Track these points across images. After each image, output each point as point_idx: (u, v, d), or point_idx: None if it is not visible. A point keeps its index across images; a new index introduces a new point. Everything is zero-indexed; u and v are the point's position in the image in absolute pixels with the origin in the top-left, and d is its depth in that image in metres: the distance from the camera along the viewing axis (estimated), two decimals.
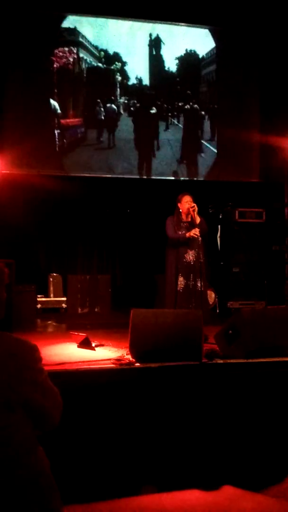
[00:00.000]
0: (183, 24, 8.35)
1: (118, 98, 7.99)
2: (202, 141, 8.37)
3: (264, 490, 3.17)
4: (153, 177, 8.20)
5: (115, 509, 2.94)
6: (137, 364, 3.74)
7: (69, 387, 2.76)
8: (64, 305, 7.55)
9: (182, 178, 8.27)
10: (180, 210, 5.30)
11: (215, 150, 8.39)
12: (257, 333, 4.02)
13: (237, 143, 8.36)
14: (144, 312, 4.01)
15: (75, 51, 7.76)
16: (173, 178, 8.25)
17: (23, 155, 7.48)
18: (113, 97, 7.96)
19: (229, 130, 8.30)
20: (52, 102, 7.66)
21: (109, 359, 3.91)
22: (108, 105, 7.91)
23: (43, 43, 7.63)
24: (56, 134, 7.69)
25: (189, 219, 5.27)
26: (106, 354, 4.23)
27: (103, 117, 7.88)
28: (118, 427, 3.34)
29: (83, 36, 7.85)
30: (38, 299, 7.33)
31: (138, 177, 8.13)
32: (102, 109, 7.86)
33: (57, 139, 7.71)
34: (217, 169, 8.44)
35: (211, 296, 7.45)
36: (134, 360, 3.80)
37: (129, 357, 3.88)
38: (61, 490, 1.78)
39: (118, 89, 7.99)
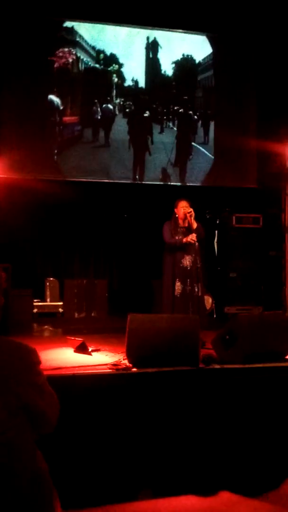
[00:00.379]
0: (180, 30, 8.40)
1: (114, 99, 8.04)
2: (197, 146, 8.39)
3: (261, 496, 3.17)
4: (150, 182, 8.21)
5: None
6: (134, 369, 3.74)
7: (66, 392, 2.75)
8: (60, 310, 7.53)
9: (179, 184, 8.29)
10: (177, 215, 5.31)
11: (209, 155, 8.41)
12: (254, 338, 4.02)
13: (234, 148, 8.39)
14: (141, 317, 4.00)
15: (74, 52, 7.81)
16: (170, 183, 8.27)
17: (20, 160, 7.48)
18: (109, 98, 8.02)
19: (226, 136, 8.32)
20: (55, 98, 7.72)
21: (106, 364, 3.90)
22: (104, 105, 7.97)
23: (40, 45, 7.65)
24: (57, 131, 7.75)
25: (186, 224, 5.28)
26: (102, 359, 4.22)
27: (99, 117, 7.94)
28: (114, 433, 3.33)
29: (80, 36, 7.90)
30: (35, 303, 7.31)
31: (135, 182, 8.15)
32: (99, 109, 7.92)
33: (57, 135, 7.76)
34: (214, 174, 8.46)
35: (208, 301, 7.45)
36: (131, 365, 3.79)
37: (126, 362, 3.87)
38: (58, 496, 1.77)
39: (114, 90, 8.05)
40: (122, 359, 4.01)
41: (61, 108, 7.77)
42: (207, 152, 8.45)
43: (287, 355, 4.20)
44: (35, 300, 7.30)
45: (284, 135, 7.93)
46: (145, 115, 8.11)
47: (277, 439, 3.61)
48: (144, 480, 3.25)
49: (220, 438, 3.49)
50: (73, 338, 4.67)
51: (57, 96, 7.75)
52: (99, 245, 8.29)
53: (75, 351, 4.51)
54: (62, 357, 4.36)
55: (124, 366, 3.79)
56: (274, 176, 8.22)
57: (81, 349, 4.45)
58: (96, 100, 7.91)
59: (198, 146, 8.42)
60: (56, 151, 7.77)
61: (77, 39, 7.86)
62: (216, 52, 8.53)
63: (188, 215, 5.22)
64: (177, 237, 5.20)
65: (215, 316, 7.66)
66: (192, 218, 5.21)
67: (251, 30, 8.43)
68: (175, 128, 8.32)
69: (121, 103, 8.04)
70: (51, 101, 7.72)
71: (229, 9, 8.10)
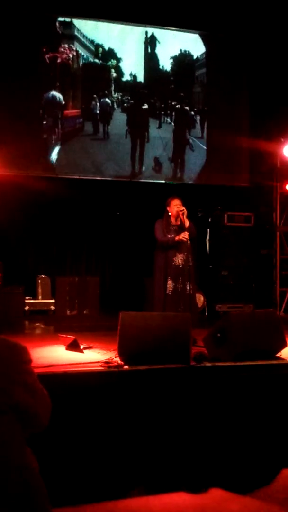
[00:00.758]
0: (173, 28, 8.40)
1: (113, 93, 8.10)
2: (194, 139, 8.45)
3: (251, 492, 3.19)
4: (143, 180, 8.22)
5: (102, 511, 2.94)
6: (126, 367, 3.74)
7: (57, 389, 2.75)
8: (52, 307, 7.52)
9: (171, 182, 8.30)
10: (169, 214, 5.31)
11: (205, 148, 8.43)
12: (245, 336, 4.05)
13: (227, 147, 8.42)
14: (133, 314, 4.01)
15: (74, 48, 7.85)
16: (163, 181, 8.28)
17: (12, 156, 7.44)
18: (107, 92, 8.07)
19: (219, 135, 8.35)
20: (57, 94, 7.78)
21: (98, 362, 3.90)
22: (103, 99, 8.04)
23: (33, 40, 7.63)
24: (60, 125, 7.79)
25: (178, 223, 5.28)
26: (94, 356, 4.22)
27: (98, 111, 8.01)
28: (106, 430, 3.33)
29: (78, 30, 7.94)
30: (26, 301, 7.29)
31: (130, 179, 8.15)
32: (98, 103, 8.00)
33: (59, 129, 7.80)
34: (206, 173, 8.48)
35: (200, 299, 7.48)
36: (122, 362, 3.80)
37: (118, 359, 3.88)
38: (48, 493, 1.77)
39: (113, 85, 8.10)
40: (114, 357, 4.01)
41: (63, 103, 7.84)
42: (201, 145, 8.49)
43: (277, 352, 4.23)
44: (26, 298, 7.28)
45: (276, 134, 7.97)
46: (144, 107, 8.17)
47: (268, 436, 3.63)
48: (136, 477, 3.26)
49: (211, 436, 3.51)
50: (65, 335, 4.67)
51: (59, 91, 7.81)
52: (91, 242, 8.28)
53: (67, 349, 4.51)
54: (54, 354, 4.35)
55: (116, 363, 3.80)
56: (266, 175, 8.26)
57: (73, 346, 4.45)
58: (95, 95, 7.99)
59: (196, 140, 8.47)
60: (54, 146, 7.79)
61: (75, 33, 7.91)
62: (209, 51, 8.55)
63: (180, 213, 5.22)
64: (169, 235, 5.21)
65: (206, 314, 7.69)
66: (185, 216, 5.22)
67: (244, 29, 8.45)
68: (172, 123, 8.37)
69: (119, 97, 8.10)
70: (53, 97, 7.77)
71: (222, 8, 8.10)
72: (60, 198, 7.67)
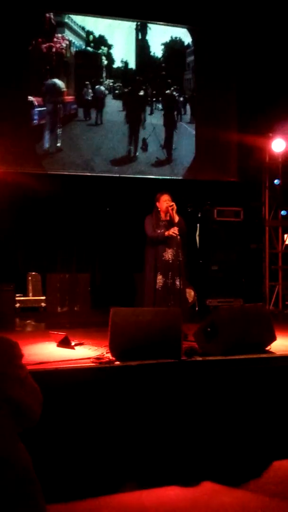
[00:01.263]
0: (161, 23, 8.39)
1: (104, 80, 8.18)
2: (184, 124, 8.55)
3: (243, 485, 3.22)
4: (132, 176, 8.22)
5: (95, 507, 2.96)
6: (117, 363, 3.76)
7: (49, 386, 2.76)
8: (43, 304, 7.51)
9: (161, 177, 8.31)
10: (159, 209, 5.32)
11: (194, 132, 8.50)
12: (235, 330, 4.08)
13: (215, 142, 8.43)
14: (124, 310, 4.02)
15: (66, 37, 7.92)
16: (152, 176, 8.28)
17: (0, 152, 7.40)
18: (101, 79, 8.16)
19: (207, 130, 8.36)
20: (58, 81, 7.90)
21: (89, 358, 3.91)
22: (97, 86, 8.14)
23: (20, 32, 7.59)
24: (62, 109, 7.92)
25: (168, 218, 5.29)
26: (85, 353, 4.23)
27: (90, 98, 8.10)
28: (98, 426, 3.35)
29: (69, 17, 7.97)
30: (17, 298, 7.27)
31: (117, 175, 8.15)
32: (90, 90, 8.09)
33: (61, 115, 7.92)
34: (196, 168, 8.49)
35: (190, 294, 7.50)
36: (113, 358, 3.81)
37: (109, 355, 3.89)
38: (42, 489, 1.78)
39: (104, 72, 8.18)
40: (105, 353, 4.02)
41: (63, 90, 7.94)
42: (193, 131, 8.55)
43: (267, 346, 4.27)
44: (17, 295, 7.26)
45: (264, 129, 8.00)
46: (140, 93, 8.29)
47: (258, 428, 3.67)
48: (128, 472, 3.28)
49: (202, 429, 3.54)
50: (56, 332, 4.66)
51: (60, 79, 7.91)
52: (82, 239, 8.26)
53: (58, 346, 4.51)
54: (45, 351, 4.35)
55: (107, 359, 3.81)
56: (255, 170, 8.30)
57: (64, 343, 4.45)
58: (87, 82, 8.07)
59: (186, 126, 8.55)
60: (54, 130, 7.89)
61: (66, 20, 7.95)
62: (197, 46, 8.55)
63: (170, 208, 5.23)
64: (159, 231, 5.21)
65: (197, 308, 7.71)
66: (174, 211, 5.23)
67: (232, 24, 8.45)
68: (163, 110, 8.45)
69: (111, 84, 8.17)
70: (54, 84, 7.87)
71: (209, 3, 8.11)
72: (49, 195, 7.64)
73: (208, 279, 7.85)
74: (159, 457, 3.38)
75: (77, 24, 8.00)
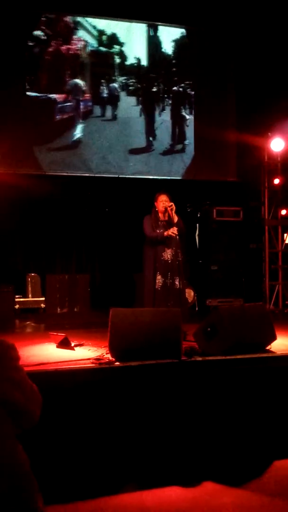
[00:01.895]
0: (159, 23, 8.40)
1: (117, 78, 8.34)
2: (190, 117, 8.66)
3: (244, 485, 3.21)
4: (131, 176, 8.22)
5: (96, 508, 2.95)
6: (117, 363, 3.75)
7: (49, 387, 2.75)
8: (42, 305, 7.51)
9: (160, 177, 8.31)
10: (157, 209, 5.31)
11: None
12: (235, 330, 4.07)
13: (214, 142, 8.44)
14: (123, 311, 4.01)
15: (82, 38, 8.12)
16: (151, 177, 8.28)
17: (0, 154, 7.40)
18: (113, 77, 8.32)
19: (206, 130, 8.36)
20: (79, 81, 8.12)
21: (89, 359, 3.90)
22: (111, 84, 8.33)
23: (16, 33, 7.63)
24: (81, 106, 8.14)
25: (166, 218, 5.29)
26: (85, 353, 4.22)
27: (105, 95, 8.30)
28: (98, 427, 3.34)
29: (83, 18, 8.14)
30: (16, 299, 7.27)
31: (116, 175, 8.15)
32: (105, 88, 8.29)
33: (80, 110, 8.11)
34: (195, 168, 8.49)
35: (190, 294, 7.50)
36: (113, 359, 3.81)
37: (109, 356, 3.88)
38: (41, 491, 1.78)
39: (117, 70, 8.35)
40: (105, 354, 4.02)
41: (84, 88, 8.16)
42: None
43: (267, 345, 4.26)
44: (16, 296, 7.25)
45: (263, 128, 8.00)
46: (154, 90, 8.49)
47: (259, 428, 3.66)
48: (128, 472, 3.27)
49: (203, 429, 3.53)
50: (55, 333, 4.66)
51: (83, 79, 8.15)
52: (81, 240, 8.26)
53: (57, 347, 4.50)
54: (45, 352, 4.35)
55: (107, 360, 3.81)
56: (254, 169, 8.29)
57: (64, 344, 4.44)
58: (102, 80, 8.26)
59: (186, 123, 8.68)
60: (76, 125, 8.09)
61: (79, 19, 8.11)
62: (195, 46, 8.55)
63: (169, 209, 5.22)
64: (158, 231, 5.21)
65: (197, 308, 7.72)
66: (173, 212, 5.22)
67: (230, 24, 8.46)
68: (171, 105, 8.58)
69: (124, 81, 8.36)
70: (76, 84, 8.09)
71: (206, 2, 8.10)
72: (49, 196, 7.64)
73: (208, 279, 7.85)
74: (160, 458, 3.37)
75: (90, 24, 8.18)
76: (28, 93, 7.80)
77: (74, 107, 8.10)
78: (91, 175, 8.03)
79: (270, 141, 7.96)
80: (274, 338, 4.28)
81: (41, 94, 7.90)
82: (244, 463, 3.46)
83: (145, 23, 8.34)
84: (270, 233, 8.19)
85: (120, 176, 8.16)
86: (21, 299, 7.43)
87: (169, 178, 8.37)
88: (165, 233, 5.16)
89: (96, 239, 8.28)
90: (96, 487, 3.10)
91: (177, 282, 5.18)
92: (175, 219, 5.21)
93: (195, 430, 3.51)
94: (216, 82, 8.59)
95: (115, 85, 8.33)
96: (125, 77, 8.35)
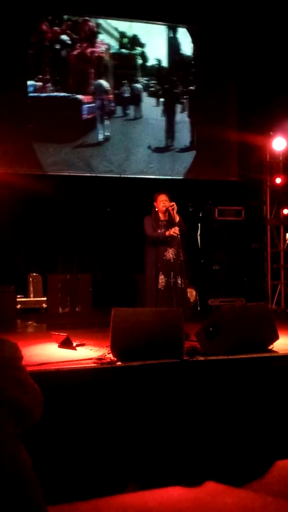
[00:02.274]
0: (160, 23, 8.39)
1: (139, 79, 8.45)
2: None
3: (246, 485, 3.21)
4: (132, 176, 8.21)
5: (98, 508, 2.95)
6: (119, 363, 3.74)
7: (50, 387, 2.75)
8: (44, 305, 7.50)
9: (161, 177, 8.30)
10: (157, 209, 5.30)
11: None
12: (237, 329, 4.06)
13: (216, 141, 8.42)
14: (125, 311, 4.01)
15: (105, 41, 8.24)
16: (152, 176, 8.28)
17: (0, 154, 7.39)
18: (136, 78, 8.44)
19: (207, 129, 8.35)
20: (103, 82, 8.24)
21: (91, 359, 3.90)
22: (134, 85, 8.44)
23: (13, 30, 7.64)
24: (105, 106, 8.25)
25: (167, 218, 5.28)
26: (87, 353, 4.22)
27: (128, 95, 8.40)
28: (100, 426, 3.34)
29: (104, 20, 8.25)
30: (18, 299, 7.26)
31: (118, 175, 8.14)
32: (128, 88, 8.41)
33: (105, 109, 8.25)
34: (196, 167, 8.48)
35: (192, 294, 7.49)
36: (115, 359, 3.80)
37: (111, 356, 3.88)
38: (43, 491, 1.77)
39: (139, 71, 8.46)
40: (106, 353, 4.01)
41: (108, 89, 8.26)
42: None
43: (269, 345, 4.25)
44: (18, 296, 7.25)
45: (265, 127, 7.98)
46: (176, 91, 8.60)
47: (261, 428, 3.66)
48: (130, 472, 3.26)
49: (205, 429, 3.53)
50: (57, 333, 4.66)
51: (106, 80, 8.26)
52: (83, 239, 8.26)
53: (59, 346, 4.50)
54: (47, 352, 4.35)
55: (109, 360, 3.80)
56: (255, 169, 8.28)
57: (66, 344, 4.44)
58: (125, 81, 8.37)
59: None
60: (102, 122, 8.22)
61: (99, 21, 8.21)
62: (197, 45, 8.54)
63: (170, 208, 5.21)
64: (159, 231, 5.20)
65: (199, 308, 7.70)
66: (175, 211, 5.21)
67: (232, 23, 8.44)
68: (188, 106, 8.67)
69: (146, 82, 8.48)
70: (100, 85, 8.22)
71: (209, 2, 8.09)
72: (50, 196, 7.63)
73: (209, 278, 7.84)
74: (162, 458, 3.37)
75: (111, 26, 8.28)
76: (55, 93, 7.96)
77: (98, 107, 8.23)
78: (92, 174, 8.02)
79: (272, 140, 7.95)
80: (276, 337, 4.28)
81: (69, 94, 8.04)
82: (246, 463, 3.45)
83: (147, 22, 8.32)
84: (272, 232, 8.18)
85: (121, 176, 8.15)
86: (23, 299, 7.42)
87: (170, 178, 8.35)
88: (167, 233, 5.15)
89: (97, 239, 8.28)
90: (98, 487, 3.10)
91: (179, 281, 5.17)
92: (177, 218, 5.20)
93: (197, 430, 3.51)
94: (218, 81, 8.57)
95: (138, 85, 8.47)
96: (146, 78, 8.48)
